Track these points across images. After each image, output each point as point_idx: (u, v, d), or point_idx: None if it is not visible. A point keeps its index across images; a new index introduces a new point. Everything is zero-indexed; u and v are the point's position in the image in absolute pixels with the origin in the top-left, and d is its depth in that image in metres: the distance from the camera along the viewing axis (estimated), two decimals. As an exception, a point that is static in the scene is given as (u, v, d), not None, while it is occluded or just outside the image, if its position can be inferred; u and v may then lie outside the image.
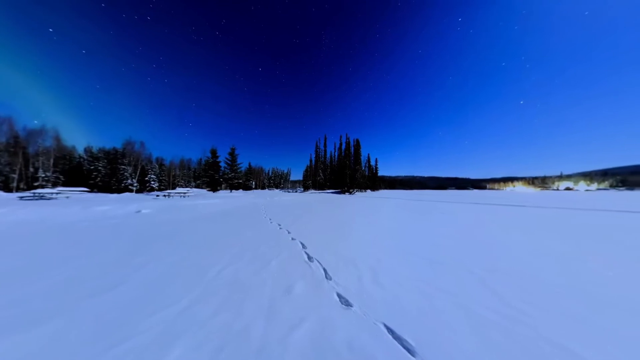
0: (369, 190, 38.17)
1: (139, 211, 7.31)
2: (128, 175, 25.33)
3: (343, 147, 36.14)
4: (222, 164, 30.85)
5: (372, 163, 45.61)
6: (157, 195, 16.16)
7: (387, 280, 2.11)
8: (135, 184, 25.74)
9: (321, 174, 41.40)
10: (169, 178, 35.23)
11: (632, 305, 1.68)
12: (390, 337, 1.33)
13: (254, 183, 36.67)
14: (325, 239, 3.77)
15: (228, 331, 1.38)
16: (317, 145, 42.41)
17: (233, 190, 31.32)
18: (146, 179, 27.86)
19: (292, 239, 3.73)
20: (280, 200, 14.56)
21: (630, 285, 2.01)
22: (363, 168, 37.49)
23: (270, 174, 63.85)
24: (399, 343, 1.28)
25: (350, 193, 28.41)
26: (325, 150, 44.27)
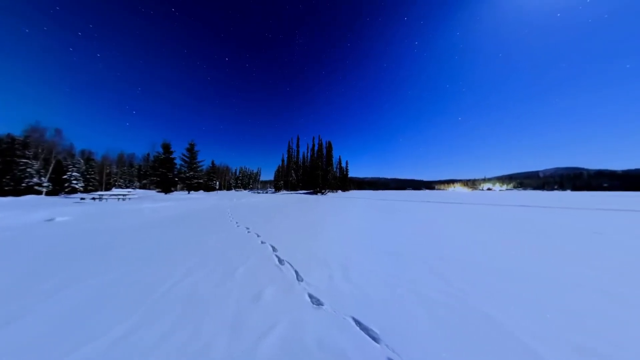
0: (339, 191, 39.76)
1: (51, 219, 5.60)
2: (34, 172, 19.08)
3: (316, 148, 36.68)
4: (178, 161, 26.71)
5: (343, 165, 47.74)
6: (82, 199, 12.66)
7: (356, 275, 2.23)
8: (45, 184, 19.59)
9: (293, 175, 40.82)
10: (101, 177, 28.36)
11: (532, 277, 2.26)
12: (357, 329, 1.41)
13: (218, 183, 32.91)
14: (297, 240, 3.72)
15: (182, 354, 1.20)
16: (289, 145, 41.68)
17: (192, 192, 27.53)
18: (64, 177, 21.64)
19: (262, 242, 3.54)
20: (249, 201, 13.64)
21: (531, 263, 2.70)
22: (334, 169, 38.84)
23: (237, 173, 59.06)
24: (365, 333, 1.37)
25: (322, 194, 28.97)
26: (297, 151, 43.91)
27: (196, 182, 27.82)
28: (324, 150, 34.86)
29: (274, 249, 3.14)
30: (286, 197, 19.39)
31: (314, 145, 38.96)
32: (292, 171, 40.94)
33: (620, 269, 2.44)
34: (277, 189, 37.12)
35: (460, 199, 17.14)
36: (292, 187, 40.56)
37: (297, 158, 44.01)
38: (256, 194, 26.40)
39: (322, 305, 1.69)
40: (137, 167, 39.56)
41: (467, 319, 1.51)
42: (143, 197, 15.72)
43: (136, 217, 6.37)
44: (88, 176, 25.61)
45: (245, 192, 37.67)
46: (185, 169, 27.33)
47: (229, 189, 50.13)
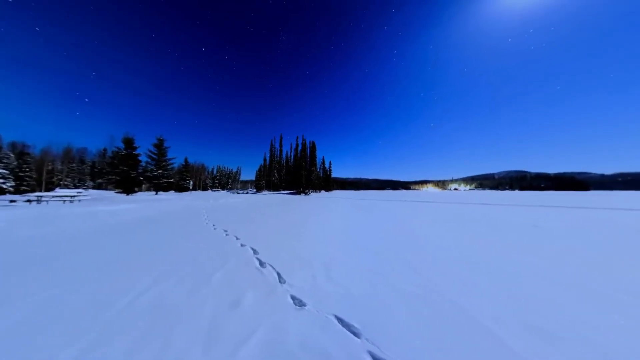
0: (323, 191, 40.10)
1: (-33, 227, 4.49)
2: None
3: (299, 148, 36.32)
4: (144, 158, 23.83)
5: (327, 165, 48.29)
6: (13, 201, 10.41)
7: (339, 274, 2.27)
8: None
9: (276, 174, 39.83)
10: (39, 174, 23.79)
11: (489, 266, 2.58)
12: (340, 326, 1.44)
13: (192, 183, 30.13)
14: (279, 241, 3.63)
15: (148, 373, 1.07)
16: (272, 144, 40.54)
17: (161, 193, 24.85)
18: (-13, 174, 17.64)
19: (242, 245, 3.37)
20: (228, 202, 12.87)
21: (489, 254, 3.07)
22: (318, 170, 39.04)
23: (214, 172, 55.22)
24: (347, 330, 1.40)
25: (306, 194, 28.84)
26: (281, 150, 42.98)
27: (166, 182, 25.21)
28: (308, 150, 34.78)
29: (255, 252, 3.01)
30: (268, 198, 18.79)
31: (297, 145, 38.57)
32: (275, 171, 39.90)
33: (556, 256, 2.94)
34: (259, 189, 35.75)
35: (433, 198, 18.77)
36: (274, 187, 39.51)
37: (280, 157, 43.07)
38: (236, 195, 25.05)
39: (305, 306, 1.68)
40: (89, 164, 34.13)
41: (438, 308, 1.65)
42: (98, 199, 13.66)
43: (89, 221, 5.49)
44: (21, 174, 21.23)
45: (224, 192, 35.44)
46: (153, 166, 24.56)
47: (204, 189, 46.56)
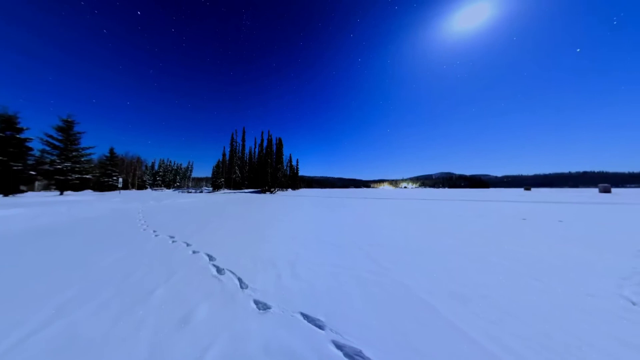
0: (289, 190, 39.35)
1: None
2: None
3: (264, 144, 34.31)
4: (38, 146, 17.22)
5: (294, 163, 47.55)
6: None
7: (304, 271, 2.30)
8: None
9: (238, 172, 36.41)
10: None
11: (427, 250, 3.14)
12: (305, 322, 1.46)
13: (121, 180, 23.66)
14: (241, 244, 3.35)
15: None
16: (233, 138, 36.69)
17: (69, 193, 18.57)
18: None
19: (194, 252, 2.93)
20: (176, 203, 10.91)
21: (427, 240, 3.74)
22: (285, 167, 37.99)
23: (156, 167, 45.60)
24: (312, 324, 1.44)
25: (272, 192, 27.63)
26: (243, 145, 39.48)
27: (77, 178, 19.07)
28: (274, 147, 33.26)
29: (211, 258, 2.68)
30: (228, 197, 16.98)
31: (262, 140, 36.30)
32: (237, 168, 36.40)
33: (468, 237, 3.87)
34: (216, 187, 31.77)
35: (388, 195, 21.44)
36: (236, 185, 36.05)
37: (243, 153, 39.58)
38: (186, 194, 21.50)
39: (269, 308, 1.62)
40: None
41: (390, 290, 1.91)
42: (-57, 203, 9.10)
43: None
44: None
45: (169, 191, 29.79)
46: (55, 157, 18.13)
47: (141, 187, 37.81)
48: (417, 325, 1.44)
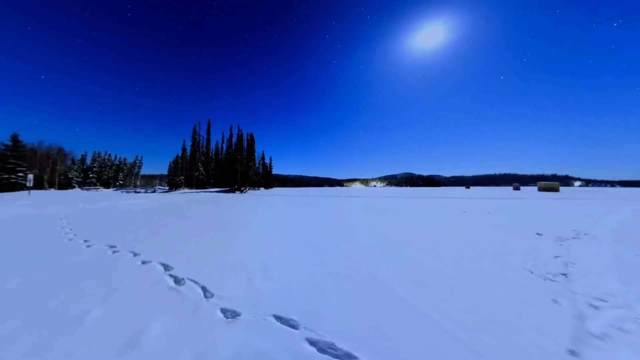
0: (262, 188, 37.50)
1: None
2: None
3: (234, 139, 31.58)
4: None
5: (267, 161, 45.48)
6: None
7: (278, 272, 2.23)
8: None
9: (201, 169, 32.63)
10: None
11: (394, 244, 3.45)
12: (278, 324, 1.42)
13: (31, 177, 17.85)
14: (207, 248, 3.03)
15: None
16: (195, 131, 32.54)
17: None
18: None
19: (144, 262, 2.50)
20: (118, 205, 9.05)
21: (393, 234, 4.11)
22: (257, 165, 35.96)
23: (88, 161, 36.78)
24: (285, 325, 1.41)
25: (242, 191, 25.79)
26: (208, 139, 35.57)
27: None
28: (245, 143, 31.04)
29: (167, 268, 2.34)
30: (189, 197, 15.04)
31: (231, 135, 33.36)
32: (200, 164, 32.55)
33: (425, 231, 4.45)
34: (174, 186, 27.70)
35: (359, 194, 22.75)
36: (199, 184, 32.23)
37: (208, 148, 35.68)
38: (132, 194, 18.08)
39: (239, 315, 1.51)
40: None
41: (361, 282, 2.04)
42: None
43: None
44: None
45: (109, 191, 24.50)
46: None
47: (65, 187, 29.86)
48: (385, 312, 1.57)
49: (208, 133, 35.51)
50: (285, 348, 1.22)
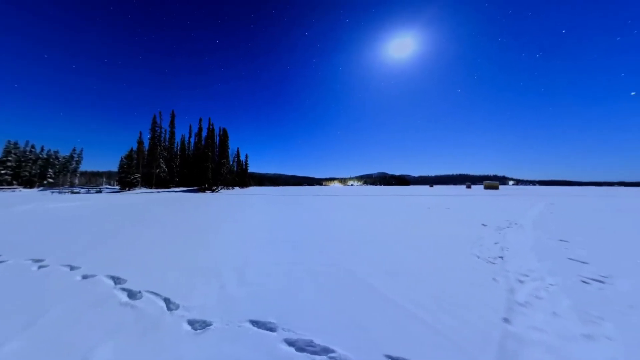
0: (237, 188, 35.17)
1: None
2: None
3: (204, 133, 28.71)
4: None
5: (242, 158, 42.83)
6: None
7: (255, 274, 2.14)
8: None
9: (163, 165, 28.81)
10: None
11: (369, 239, 3.65)
12: (255, 329, 1.36)
13: None
14: (172, 255, 2.70)
15: None
16: (155, 122, 28.46)
17: None
18: None
19: (84, 277, 2.09)
20: (47, 209, 7.32)
21: (368, 230, 4.35)
22: (231, 163, 33.51)
23: (0, 154, 28.68)
24: (262, 329, 1.36)
25: (213, 191, 23.71)
26: (172, 132, 31.64)
27: None
28: (217, 138, 28.60)
29: (118, 281, 2.01)
30: (150, 197, 13.10)
31: (200, 129, 30.30)
32: (161, 160, 28.69)
33: (398, 225, 4.83)
34: (128, 185, 23.72)
35: (338, 192, 23.39)
36: (160, 183, 28.41)
37: (172, 143, 31.75)
38: (68, 195, 14.89)
39: (209, 325, 1.40)
40: None
41: (339, 278, 2.10)
42: None
43: None
44: None
45: (33, 191, 19.61)
46: None
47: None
48: (361, 304, 1.66)
49: (172, 125, 31.61)
50: (263, 352, 1.18)
